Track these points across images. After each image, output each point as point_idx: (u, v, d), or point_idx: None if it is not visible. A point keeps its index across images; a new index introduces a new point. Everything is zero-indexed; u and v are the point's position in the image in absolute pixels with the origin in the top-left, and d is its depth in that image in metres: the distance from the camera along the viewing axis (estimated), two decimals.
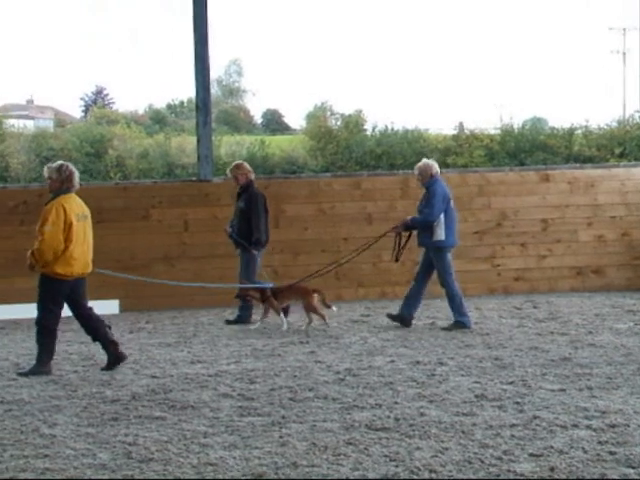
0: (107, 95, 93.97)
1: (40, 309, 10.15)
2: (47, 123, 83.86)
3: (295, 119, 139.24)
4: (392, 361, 10.27)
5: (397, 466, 6.50)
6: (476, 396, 8.52)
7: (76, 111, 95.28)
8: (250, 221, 13.28)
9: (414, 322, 12.88)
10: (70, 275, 10.07)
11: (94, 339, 10.45)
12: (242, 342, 11.81)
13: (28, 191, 16.32)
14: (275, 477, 6.32)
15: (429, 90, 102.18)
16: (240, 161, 14.38)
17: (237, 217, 13.52)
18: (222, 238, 15.45)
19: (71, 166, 10.43)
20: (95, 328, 10.35)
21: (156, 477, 6.32)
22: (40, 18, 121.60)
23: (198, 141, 16.29)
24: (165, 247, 14.92)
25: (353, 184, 16.30)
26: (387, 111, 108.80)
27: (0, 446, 7.15)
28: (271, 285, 13.16)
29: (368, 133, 64.74)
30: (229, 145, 63.62)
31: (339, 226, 15.92)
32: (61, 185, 10.17)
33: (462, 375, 9.49)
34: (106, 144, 64.25)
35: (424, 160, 13.10)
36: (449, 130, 56.20)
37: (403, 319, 12.69)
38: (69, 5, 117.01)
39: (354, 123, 65.06)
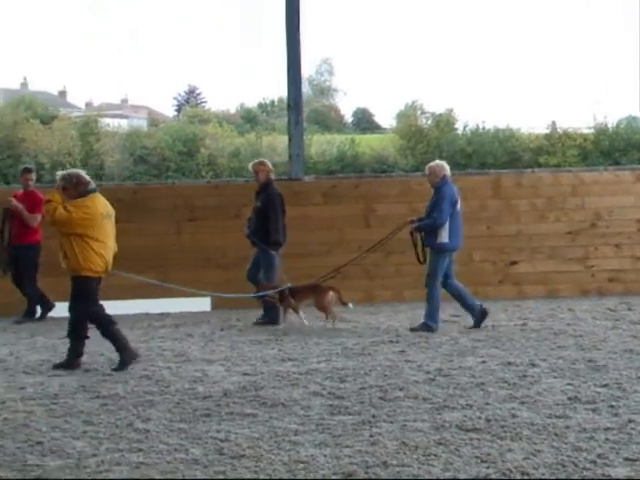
0: (199, 94, 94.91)
1: (74, 307, 10.35)
2: (141, 122, 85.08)
3: (385, 118, 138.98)
4: (483, 362, 10.19)
5: (488, 467, 6.45)
6: (569, 398, 8.41)
7: (169, 110, 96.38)
8: (267, 221, 13.25)
9: (505, 322, 12.79)
10: (93, 272, 10.27)
11: (105, 337, 10.57)
12: (332, 341, 11.83)
13: (122, 189, 16.59)
14: (365, 476, 6.31)
15: (521, 88, 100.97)
16: (263, 159, 14.37)
17: (254, 216, 13.48)
18: (314, 236, 15.56)
19: (74, 171, 10.63)
20: (104, 325, 10.49)
21: (248, 474, 6.36)
22: (135, 20, 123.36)
23: (289, 140, 16.38)
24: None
25: None
26: (478, 110, 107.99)
27: (96, 440, 7.28)
28: (288, 286, 13.17)
29: (459, 132, 64.33)
30: (319, 144, 63.79)
31: None
32: (76, 190, 10.28)
33: (554, 377, 9.37)
34: (198, 143, 64.94)
35: (436, 161, 13.06)
36: (541, 129, 55.45)
37: (479, 313, 12.60)
38: (162, 8, 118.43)
39: (445, 122, 64.70)
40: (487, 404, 8.24)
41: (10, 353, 11.35)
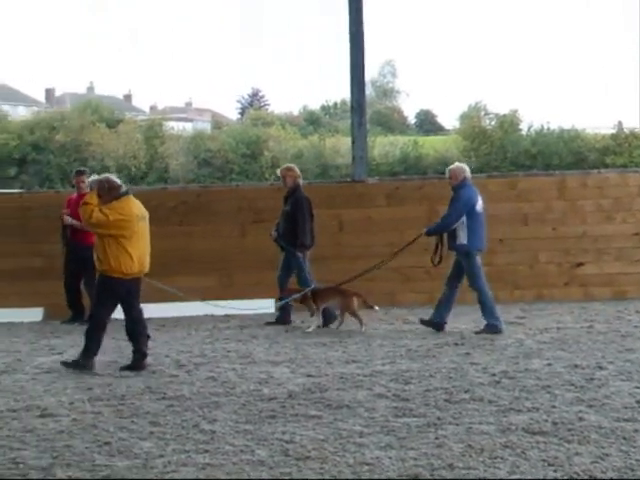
0: (263, 97, 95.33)
1: (95, 304, 10.61)
2: (205, 125, 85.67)
3: (448, 119, 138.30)
4: (549, 364, 10.10)
5: (555, 471, 6.39)
6: (637, 402, 8.30)
7: (232, 113, 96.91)
8: (295, 224, 13.39)
9: (571, 324, 12.67)
10: (128, 274, 10.38)
11: (130, 338, 10.70)
12: (396, 343, 11.81)
13: (187, 192, 16.71)
14: (431, 478, 6.29)
15: (586, 88, 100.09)
16: (291, 164, 14.54)
17: (283, 220, 13.60)
18: (377, 238, 15.53)
19: (104, 176, 10.69)
20: (135, 330, 10.61)
21: (313, 475, 6.37)
22: (200, 25, 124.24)
23: (353, 142, 16.37)
24: (320, 247, 14.93)
25: (508, 185, 16.12)
26: (543, 110, 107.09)
27: (163, 440, 7.34)
28: (312, 286, 13.23)
29: (523, 133, 63.84)
30: (382, 146, 63.76)
31: (495, 227, 15.72)
32: (110, 195, 10.38)
33: (622, 380, 9.26)
34: (261, 145, 65.29)
35: (457, 163, 13.18)
36: (607, 129, 54.86)
37: (435, 324, 12.68)
38: (228, 11, 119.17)
39: (509, 123, 64.26)
40: (553, 407, 8.16)
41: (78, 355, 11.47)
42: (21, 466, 6.71)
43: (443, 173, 13.39)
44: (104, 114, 69.39)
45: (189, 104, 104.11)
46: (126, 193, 10.51)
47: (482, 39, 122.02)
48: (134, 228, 10.33)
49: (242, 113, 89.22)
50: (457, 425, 7.61)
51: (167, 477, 6.40)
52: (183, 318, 13.95)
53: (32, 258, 14.74)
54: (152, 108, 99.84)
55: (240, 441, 7.27)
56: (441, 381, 9.35)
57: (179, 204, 15.59)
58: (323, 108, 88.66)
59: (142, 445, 7.22)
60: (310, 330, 12.94)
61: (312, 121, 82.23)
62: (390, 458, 6.70)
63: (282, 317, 13.69)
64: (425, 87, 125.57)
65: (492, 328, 12.34)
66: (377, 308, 13.33)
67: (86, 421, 8.02)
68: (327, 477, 6.34)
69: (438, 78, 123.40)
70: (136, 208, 10.48)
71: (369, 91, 76.92)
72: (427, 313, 14.33)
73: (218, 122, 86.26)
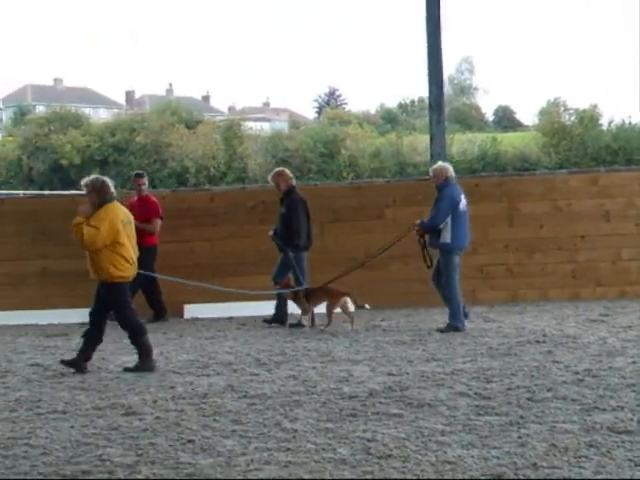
0: (340, 96, 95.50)
1: (121, 315, 10.68)
2: (282, 125, 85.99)
3: (527, 115, 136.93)
4: (634, 362, 9.95)
5: None
6: None
7: (310, 112, 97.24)
8: (289, 225, 13.53)
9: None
10: (127, 277, 10.55)
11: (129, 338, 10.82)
12: (477, 341, 11.74)
13: (266, 191, 16.76)
14: (515, 478, 6.23)
15: None
16: (282, 168, 14.64)
17: (279, 222, 13.77)
18: None
19: (102, 178, 10.75)
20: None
21: (395, 474, 6.36)
22: (277, 25, 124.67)
23: (431, 140, 16.31)
24: (401, 245, 14.89)
25: (590, 180, 15.93)
26: (624, 105, 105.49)
27: (245, 439, 7.39)
28: (305, 287, 13.39)
29: (604, 128, 62.98)
30: (460, 143, 63.38)
31: (576, 223, 15.58)
32: (99, 197, 10.47)
33: None
34: (339, 144, 65.37)
35: (439, 163, 13.31)
36: None
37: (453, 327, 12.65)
38: (305, 11, 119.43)
39: (589, 118, 63.41)
40: (639, 406, 8.04)
41: (160, 353, 11.60)
42: (107, 463, 6.80)
43: (523, 170, 13.37)
44: (183, 115, 70.11)
45: (267, 104, 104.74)
46: (111, 200, 10.56)
47: (560, 33, 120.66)
48: (123, 232, 10.43)
49: (319, 112, 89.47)
50: (540, 424, 7.53)
51: (250, 475, 6.44)
52: (258, 317, 14.00)
53: None
54: (230, 109, 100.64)
55: (322, 439, 7.28)
56: (523, 379, 9.26)
57: (258, 203, 15.67)
58: (400, 106, 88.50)
59: (225, 443, 7.27)
60: (323, 328, 13.12)
61: (389, 119, 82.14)
62: (473, 457, 6.66)
63: (279, 316, 13.76)
64: (503, 83, 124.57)
65: (454, 328, 12.50)
66: (368, 306, 13.41)
67: (169, 419, 8.10)
68: (409, 476, 6.32)
69: (516, 74, 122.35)
70: (122, 213, 10.59)
71: (447, 88, 76.68)
72: (508, 311, 14.26)
73: (295, 121, 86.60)
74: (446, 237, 12.57)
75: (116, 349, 12.10)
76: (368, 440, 7.20)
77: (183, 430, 7.70)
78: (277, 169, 14.53)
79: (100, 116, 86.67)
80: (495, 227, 15.63)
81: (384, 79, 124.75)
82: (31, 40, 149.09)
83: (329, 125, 69.73)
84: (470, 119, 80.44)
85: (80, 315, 14.52)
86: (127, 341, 12.62)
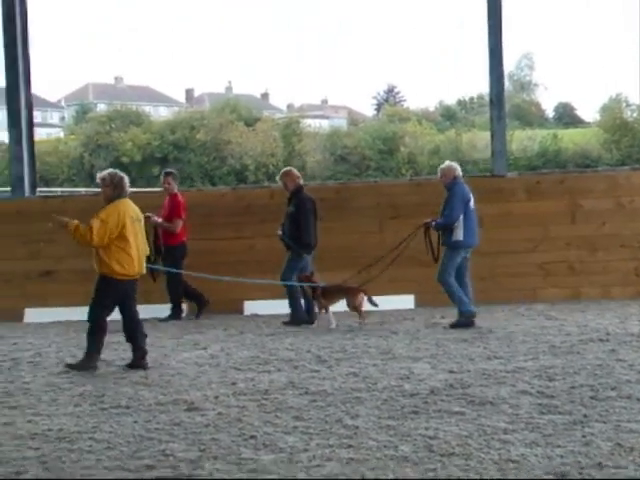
0: (398, 93, 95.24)
1: (95, 306, 10.54)
2: (341, 122, 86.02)
3: (588, 112, 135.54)
4: None
5: None
6: None
7: (368, 109, 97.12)
8: (299, 225, 13.56)
9: None
10: (127, 275, 10.47)
11: (128, 339, 10.75)
12: (539, 339, 11.64)
13: (325, 188, 16.83)
14: (579, 477, 6.17)
15: None
16: (289, 168, 14.73)
17: (287, 221, 13.77)
18: (517, 234, 15.34)
19: (120, 173, 10.75)
20: (134, 330, 10.67)
21: (458, 472, 6.32)
22: (335, 22, 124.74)
23: (492, 136, 16.22)
24: None
25: None
26: None
27: (307, 435, 7.40)
28: (322, 284, 13.44)
29: None
30: (521, 140, 62.93)
31: (639, 221, 15.39)
32: (113, 191, 10.51)
33: None
34: (398, 141, 65.27)
35: (447, 162, 13.57)
36: None
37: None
38: (363, 8, 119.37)
39: None
40: None
41: (221, 349, 11.68)
42: (171, 458, 6.85)
43: (584, 166, 13.22)
44: (242, 113, 70.40)
45: (325, 101, 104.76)
46: (124, 196, 10.59)
47: (621, 29, 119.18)
48: (130, 229, 10.42)
49: (378, 109, 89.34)
50: (604, 423, 7.45)
51: (312, 471, 6.45)
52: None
53: None
54: (289, 106, 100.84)
55: (383, 437, 7.27)
56: (586, 378, 9.17)
57: (318, 201, 15.64)
58: (459, 103, 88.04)
59: (287, 439, 7.28)
60: (333, 326, 13.19)
61: (448, 116, 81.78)
62: (536, 456, 6.60)
63: (297, 316, 13.74)
64: (563, 79, 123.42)
65: (469, 314, 12.77)
66: (378, 305, 13.36)
67: (231, 415, 8.14)
68: (472, 474, 6.29)
69: (577, 70, 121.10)
70: (131, 210, 10.58)
71: (507, 85, 76.15)
72: (570, 309, 14.13)
73: (354, 119, 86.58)
74: (458, 235, 12.78)
75: (177, 345, 12.19)
76: (430, 438, 7.17)
77: (245, 426, 7.74)
78: (284, 169, 14.67)
79: (160, 114, 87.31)
80: (557, 224, 15.49)
81: (443, 76, 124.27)
82: (93, 39, 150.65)
83: (388, 122, 69.63)
84: (530, 116, 79.79)
85: (145, 311, 14.68)
86: (188, 337, 12.77)
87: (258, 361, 10.76)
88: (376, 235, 15.55)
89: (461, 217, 12.78)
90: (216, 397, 8.87)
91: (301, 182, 14.14)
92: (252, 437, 7.38)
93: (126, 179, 10.68)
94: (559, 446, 6.83)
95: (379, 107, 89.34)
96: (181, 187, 16.04)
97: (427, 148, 64.67)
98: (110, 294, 10.50)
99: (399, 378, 9.48)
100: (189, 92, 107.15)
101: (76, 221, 10.49)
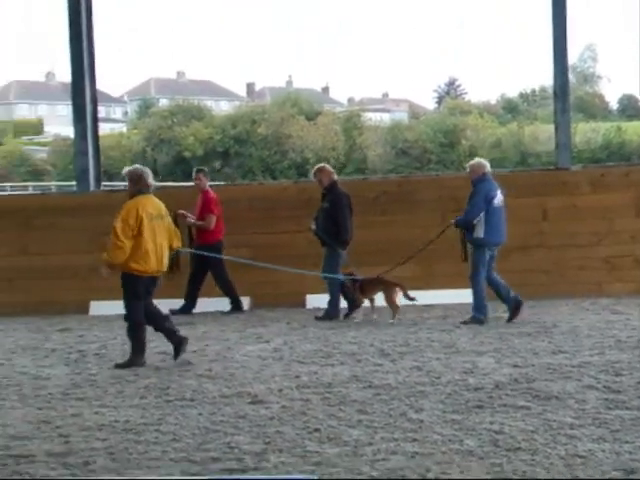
0: (459, 86, 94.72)
1: (126, 306, 10.60)
2: (402, 115, 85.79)
3: None
4: None
5: None
6: None
7: (429, 103, 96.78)
8: (335, 220, 13.60)
9: None
10: (145, 272, 10.46)
11: (155, 330, 10.79)
12: (604, 333, 11.51)
13: (387, 182, 16.78)
14: None
15: None
16: (323, 164, 14.74)
17: (321, 216, 13.81)
18: (582, 227, 15.19)
19: (141, 168, 10.77)
20: (155, 321, 10.69)
21: (524, 467, 6.27)
22: (392, 15, 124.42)
23: (556, 129, 16.06)
24: (521, 236, 14.67)
25: None
26: None
27: (371, 428, 7.39)
28: (360, 278, 13.55)
29: None
30: (584, 132, 62.27)
31: None
32: (135, 186, 10.55)
33: None
34: (459, 134, 64.94)
35: (477, 159, 13.58)
36: None
37: (515, 311, 12.79)
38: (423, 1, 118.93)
39: None
40: None
41: (284, 343, 11.71)
42: (236, 451, 6.89)
43: None
44: (303, 107, 70.49)
45: (386, 95, 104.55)
46: (146, 192, 10.62)
47: None
48: (148, 226, 10.39)
49: (439, 102, 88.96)
50: None
51: (377, 465, 6.44)
52: (386, 307, 13.97)
53: (239, 249, 15.06)
54: (349, 100, 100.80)
55: (448, 431, 7.24)
56: None
57: (380, 194, 15.64)
58: (521, 95, 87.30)
59: (351, 433, 7.28)
60: (358, 320, 13.36)
61: (510, 109, 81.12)
62: (604, 451, 6.53)
63: (332, 312, 13.74)
64: (627, 71, 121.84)
65: (476, 320, 12.62)
66: (416, 300, 13.44)
67: (295, 408, 8.16)
68: (538, 469, 6.24)
69: None
70: (150, 207, 10.54)
71: (570, 77, 75.32)
72: (636, 303, 13.96)
73: (415, 112, 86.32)
74: (479, 232, 12.72)
75: (240, 338, 12.26)
76: (495, 432, 7.13)
77: (309, 419, 7.75)
78: (318, 165, 14.73)
79: (221, 108, 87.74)
80: (622, 217, 15.29)
81: (505, 69, 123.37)
82: (155, 34, 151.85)
83: (449, 115, 69.30)
84: (593, 108, 78.86)
85: (209, 304, 14.82)
86: (251, 330, 12.83)
87: (321, 354, 10.78)
88: (439, 228, 15.43)
89: (483, 214, 12.68)
90: (280, 390, 8.90)
91: (335, 177, 14.19)
92: (316, 430, 7.39)
93: (148, 174, 10.68)
94: (627, 442, 6.75)
95: (440, 100, 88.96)
96: (242, 181, 16.10)
97: (489, 141, 64.24)
98: (134, 290, 10.56)
99: (463, 372, 9.44)
100: (250, 86, 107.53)
101: (103, 255, 10.59)
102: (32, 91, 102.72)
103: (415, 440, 7.00)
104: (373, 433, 7.25)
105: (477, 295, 12.82)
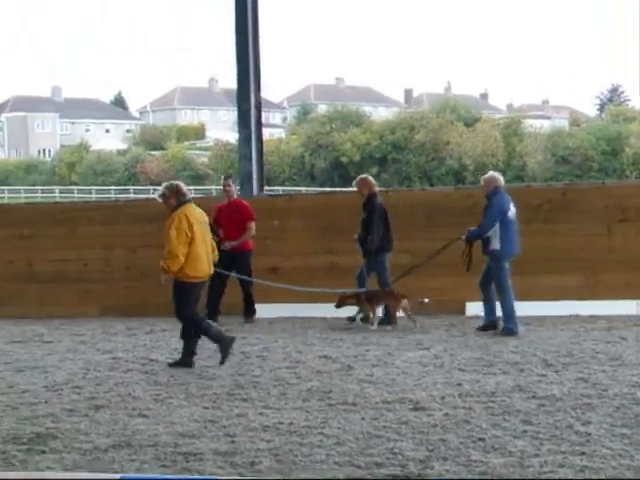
0: (623, 93, 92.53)
1: (181, 311, 10.81)
2: (562, 122, 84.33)
3: None
4: None
5: None
6: None
7: (591, 109, 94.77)
8: (368, 231, 14.00)
9: None
10: (200, 277, 10.73)
11: (181, 336, 11.06)
12: None
13: (552, 190, 16.48)
14: None
15: None
16: (365, 175, 14.97)
17: (361, 227, 14.14)
18: None
19: (176, 182, 11.09)
20: (189, 330, 10.93)
21: None
22: (551, 23, 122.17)
23: None
24: None
25: None
26: None
27: (537, 440, 7.27)
28: (364, 290, 13.87)
29: None
30: None
31: None
32: (176, 199, 10.75)
33: None
34: (622, 142, 63.40)
35: (490, 172, 13.68)
36: None
37: (490, 325, 13.06)
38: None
39: None
40: None
41: (444, 350, 11.63)
42: (399, 457, 6.88)
43: None
44: (462, 113, 70.12)
45: (546, 101, 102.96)
46: (188, 201, 10.86)
47: None
48: (198, 232, 10.65)
49: (601, 109, 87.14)
50: None
51: (544, 477, 6.33)
52: (548, 317, 13.74)
53: (398, 255, 14.96)
54: (508, 106, 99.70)
55: (617, 445, 7.06)
56: None
57: (544, 202, 15.35)
58: None
59: (516, 443, 7.18)
60: (374, 327, 13.52)
61: None
62: None
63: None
64: None
65: (508, 331, 12.67)
66: (427, 300, 13.80)
67: (458, 416, 8.10)
68: None
69: None
70: (197, 213, 10.85)
71: None
72: None
73: (576, 119, 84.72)
74: (495, 244, 12.82)
75: (401, 344, 12.23)
76: None
77: (473, 428, 7.68)
78: (361, 176, 14.95)
79: (380, 114, 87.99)
80: None
81: None
82: (315, 40, 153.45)
83: (612, 122, 67.79)
84: None
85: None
86: (411, 336, 12.80)
87: (483, 363, 10.66)
88: (604, 238, 15.08)
89: (497, 227, 12.77)
90: (442, 398, 8.85)
91: (376, 189, 14.45)
92: (480, 439, 7.32)
93: (182, 185, 11.05)
94: None
95: (602, 107, 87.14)
96: (399, 187, 16.15)
97: None
98: (190, 295, 10.83)
99: (631, 385, 9.19)
100: (408, 92, 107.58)
101: (160, 263, 10.79)
102: (195, 97, 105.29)
103: (583, 454, 6.85)
104: (539, 445, 7.13)
105: (505, 306, 12.86)
